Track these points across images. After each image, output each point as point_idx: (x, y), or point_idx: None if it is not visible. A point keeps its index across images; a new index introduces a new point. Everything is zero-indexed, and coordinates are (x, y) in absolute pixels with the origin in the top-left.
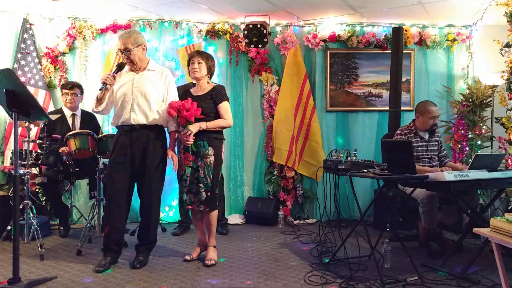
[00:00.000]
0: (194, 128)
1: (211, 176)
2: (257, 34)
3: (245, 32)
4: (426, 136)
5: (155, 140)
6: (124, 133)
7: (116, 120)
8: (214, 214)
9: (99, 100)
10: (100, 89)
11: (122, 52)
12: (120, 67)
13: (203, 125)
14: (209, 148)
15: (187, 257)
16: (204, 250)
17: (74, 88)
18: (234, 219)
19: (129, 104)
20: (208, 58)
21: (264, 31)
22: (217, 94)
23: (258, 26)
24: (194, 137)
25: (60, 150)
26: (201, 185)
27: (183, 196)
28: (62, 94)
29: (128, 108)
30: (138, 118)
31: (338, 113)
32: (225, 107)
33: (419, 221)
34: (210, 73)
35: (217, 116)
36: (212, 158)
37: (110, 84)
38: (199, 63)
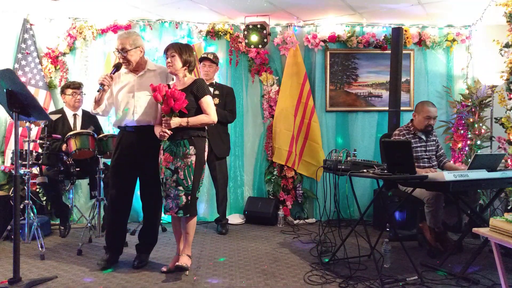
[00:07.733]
0: (174, 123)
1: (192, 178)
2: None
3: (245, 32)
4: (424, 137)
5: (158, 141)
6: (127, 134)
7: (118, 121)
8: (193, 221)
9: (97, 102)
10: (98, 91)
11: (119, 51)
12: (117, 67)
13: (184, 121)
14: (190, 147)
15: (164, 268)
16: None
17: (80, 87)
18: (234, 219)
19: (132, 105)
20: (182, 49)
21: (264, 32)
22: (198, 88)
23: (258, 26)
24: (171, 132)
25: (63, 148)
26: (180, 188)
27: (162, 201)
28: (69, 95)
29: (131, 109)
30: (140, 119)
31: (338, 113)
32: (207, 102)
33: (420, 222)
34: (187, 66)
35: (198, 112)
36: (193, 158)
37: (107, 85)
38: (172, 56)
